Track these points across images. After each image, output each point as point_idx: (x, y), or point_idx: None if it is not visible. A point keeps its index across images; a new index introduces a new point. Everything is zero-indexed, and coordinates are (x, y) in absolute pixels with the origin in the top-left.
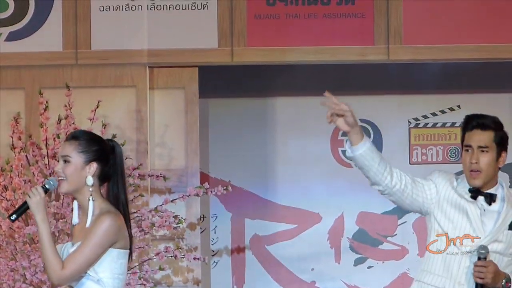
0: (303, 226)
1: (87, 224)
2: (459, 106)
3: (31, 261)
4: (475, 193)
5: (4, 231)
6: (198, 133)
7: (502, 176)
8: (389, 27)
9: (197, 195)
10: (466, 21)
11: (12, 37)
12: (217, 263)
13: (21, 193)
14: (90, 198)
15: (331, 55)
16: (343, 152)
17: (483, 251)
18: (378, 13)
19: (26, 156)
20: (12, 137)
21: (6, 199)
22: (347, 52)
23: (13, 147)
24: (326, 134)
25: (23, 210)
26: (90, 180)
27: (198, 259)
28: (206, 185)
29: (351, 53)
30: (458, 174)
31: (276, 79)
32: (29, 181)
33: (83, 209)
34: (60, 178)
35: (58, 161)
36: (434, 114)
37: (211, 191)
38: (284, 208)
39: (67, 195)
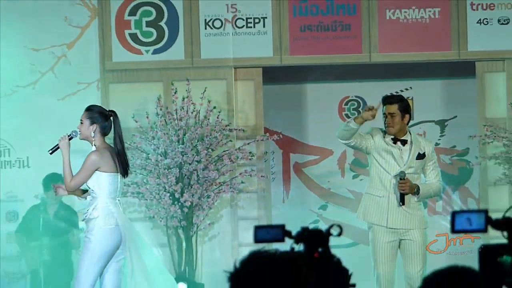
0: (322, 156)
1: None
2: (411, 87)
3: (168, 178)
4: (395, 139)
5: (152, 161)
6: (262, 105)
7: (434, 127)
8: (370, 42)
9: (262, 140)
10: (414, 38)
11: (155, 51)
12: (274, 179)
13: (163, 140)
14: (93, 144)
15: (337, 60)
16: (346, 115)
17: (402, 174)
18: (364, 35)
19: (165, 119)
20: (156, 109)
21: (154, 144)
22: (347, 58)
23: (157, 114)
24: (334, 105)
25: (56, 147)
26: (92, 134)
27: (263, 176)
28: (267, 134)
29: (349, 58)
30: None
31: (307, 73)
32: (167, 133)
33: None
34: (79, 131)
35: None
36: (396, 92)
37: (270, 138)
38: (312, 147)
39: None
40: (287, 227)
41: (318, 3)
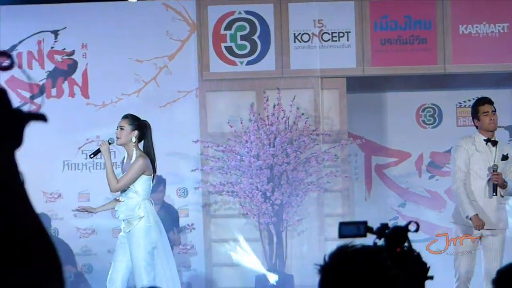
0: (401, 159)
1: (131, 162)
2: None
3: (260, 178)
4: (487, 140)
5: (245, 163)
6: (346, 112)
7: (504, 132)
8: (445, 54)
9: (346, 144)
10: (485, 51)
11: (249, 63)
12: (357, 179)
13: (255, 144)
14: (134, 149)
15: (415, 71)
16: (423, 121)
17: (495, 167)
18: (439, 48)
19: (257, 125)
20: (249, 115)
21: (247, 147)
22: (423, 69)
23: (250, 120)
24: (412, 112)
25: (97, 152)
26: (133, 139)
27: (347, 177)
28: (351, 139)
29: (425, 69)
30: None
31: (387, 83)
32: (259, 137)
33: (128, 154)
34: (117, 137)
35: (117, 128)
36: (469, 100)
37: (354, 142)
38: (392, 150)
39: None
40: (370, 223)
41: (397, 19)
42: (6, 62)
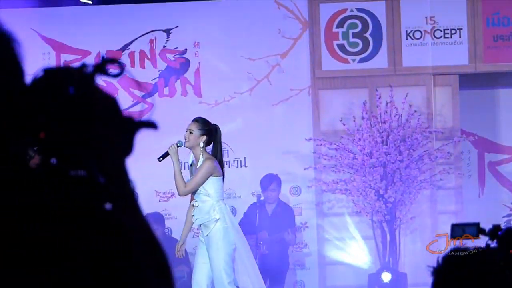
0: None
1: (198, 165)
2: None
3: (373, 176)
4: None
5: (358, 161)
6: (459, 109)
7: None
8: None
9: (459, 141)
10: None
11: (361, 60)
12: (470, 176)
13: (368, 142)
14: (201, 153)
15: None
16: None
17: None
18: None
19: (370, 122)
20: (362, 113)
21: (360, 145)
22: None
23: (363, 118)
24: None
25: (165, 154)
26: (201, 144)
27: (460, 174)
28: (464, 136)
29: None
30: None
31: (499, 80)
32: (372, 135)
33: (195, 158)
34: (186, 140)
35: (186, 131)
36: None
37: (467, 139)
38: (505, 146)
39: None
40: (482, 221)
41: (509, 15)
42: (115, 70)
